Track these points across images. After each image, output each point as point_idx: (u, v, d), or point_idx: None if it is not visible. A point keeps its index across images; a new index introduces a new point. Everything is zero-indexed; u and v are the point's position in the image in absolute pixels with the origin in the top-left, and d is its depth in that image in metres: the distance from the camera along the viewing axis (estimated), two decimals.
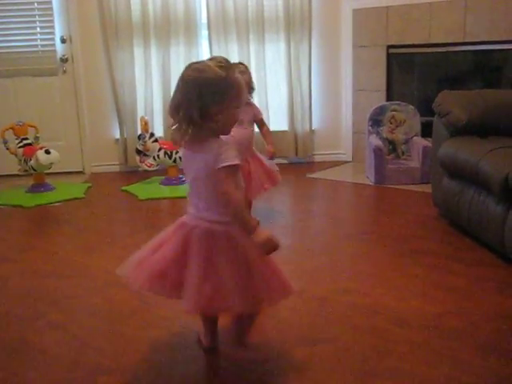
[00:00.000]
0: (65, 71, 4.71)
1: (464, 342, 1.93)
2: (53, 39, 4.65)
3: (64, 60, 4.68)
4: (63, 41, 4.65)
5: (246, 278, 1.67)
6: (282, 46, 4.78)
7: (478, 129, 3.04)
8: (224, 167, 1.60)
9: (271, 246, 1.61)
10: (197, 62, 1.70)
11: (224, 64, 1.65)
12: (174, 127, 1.68)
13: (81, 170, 4.88)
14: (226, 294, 1.64)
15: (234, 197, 1.62)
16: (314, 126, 4.97)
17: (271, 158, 3.25)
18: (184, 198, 3.88)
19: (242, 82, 1.71)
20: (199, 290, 1.64)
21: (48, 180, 4.29)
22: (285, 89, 4.83)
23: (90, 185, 4.39)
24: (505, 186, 2.47)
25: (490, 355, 1.84)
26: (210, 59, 1.69)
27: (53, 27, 4.63)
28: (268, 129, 3.34)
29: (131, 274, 1.78)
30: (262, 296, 1.71)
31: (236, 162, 1.62)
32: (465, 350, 1.87)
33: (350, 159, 4.92)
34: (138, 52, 4.67)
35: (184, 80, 1.65)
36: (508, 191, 2.47)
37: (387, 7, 4.45)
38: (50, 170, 4.22)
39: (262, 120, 3.26)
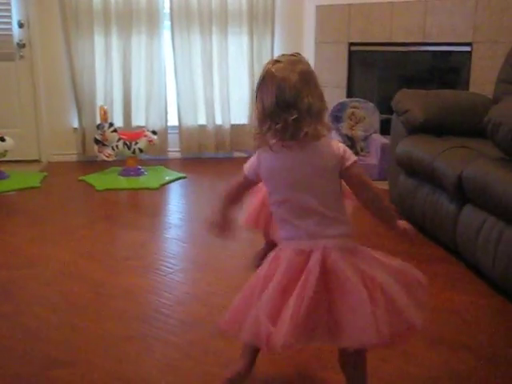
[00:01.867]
0: (22, 57, 4.58)
1: (415, 336, 1.97)
2: (10, 23, 4.50)
3: (21, 45, 4.55)
4: (21, 25, 4.52)
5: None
6: (245, 39, 4.77)
7: (435, 128, 3.11)
8: (354, 162, 1.44)
9: (413, 233, 1.57)
10: (278, 61, 1.43)
11: (304, 60, 1.47)
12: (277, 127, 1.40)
13: (37, 158, 4.76)
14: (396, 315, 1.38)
15: (375, 185, 1.50)
16: None
17: None
18: (143, 189, 3.91)
19: None
20: (375, 316, 1.35)
21: (2, 168, 4.17)
22: (246, 82, 4.83)
23: (46, 174, 4.30)
24: (458, 185, 2.53)
25: (439, 348, 1.90)
26: (283, 55, 1.47)
27: (9, 11, 4.48)
28: None
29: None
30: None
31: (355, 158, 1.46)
32: (415, 343, 1.92)
33: None
34: (98, 40, 4.58)
35: (284, 77, 1.38)
36: (461, 190, 2.53)
37: (349, 5, 4.49)
38: (5, 158, 4.11)
39: None
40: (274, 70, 1.41)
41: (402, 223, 1.57)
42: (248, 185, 1.57)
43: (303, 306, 1.34)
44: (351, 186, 1.49)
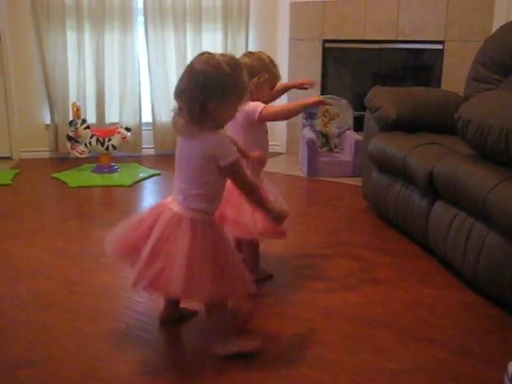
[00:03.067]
0: None
1: (385, 330, 2.00)
2: None
3: None
4: None
5: (219, 269, 1.73)
6: (219, 35, 4.75)
7: (407, 125, 3.14)
8: (231, 163, 1.70)
9: (284, 215, 1.85)
10: (209, 54, 1.72)
11: (233, 62, 1.71)
12: (174, 111, 1.77)
13: (8, 155, 4.68)
14: (175, 279, 1.67)
15: (252, 183, 1.80)
16: None
17: None
18: (116, 186, 3.87)
19: (247, 83, 1.77)
20: (146, 267, 1.72)
21: None
22: None
23: (17, 171, 4.23)
24: (429, 181, 2.56)
25: (409, 342, 1.92)
26: (222, 55, 1.73)
27: None
28: None
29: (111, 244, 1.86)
30: (227, 290, 1.78)
31: (237, 155, 1.73)
32: (386, 337, 1.94)
33: (284, 151, 4.97)
34: (70, 35, 4.51)
35: (193, 69, 1.69)
36: (432, 186, 2.56)
37: (324, 2, 4.51)
38: None
39: None
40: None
41: (276, 207, 1.86)
42: None
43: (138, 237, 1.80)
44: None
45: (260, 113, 2.18)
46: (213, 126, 1.71)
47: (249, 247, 2.37)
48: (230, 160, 1.70)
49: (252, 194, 1.82)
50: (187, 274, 1.66)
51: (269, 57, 2.30)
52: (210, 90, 1.65)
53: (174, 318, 2.02)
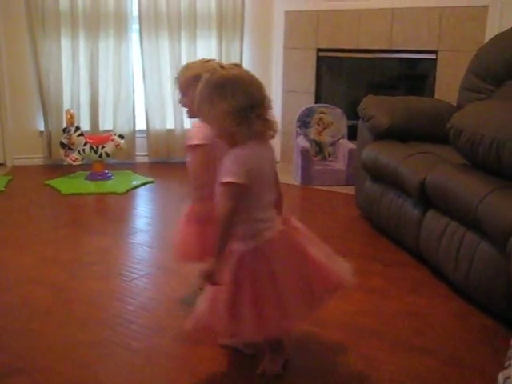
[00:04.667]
0: None
1: (376, 339, 1.99)
2: None
3: None
4: None
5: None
6: (214, 43, 4.76)
7: (400, 134, 3.15)
8: (227, 182, 1.54)
9: (212, 280, 1.56)
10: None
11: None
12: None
13: (2, 162, 4.67)
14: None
15: (223, 217, 1.56)
16: None
17: None
18: (110, 193, 3.86)
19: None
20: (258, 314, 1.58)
21: None
22: None
23: (10, 178, 4.22)
24: (421, 190, 2.57)
25: (399, 351, 1.91)
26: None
27: None
28: None
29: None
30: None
31: (227, 179, 1.53)
32: (376, 347, 1.94)
33: (278, 159, 4.98)
34: (65, 43, 4.51)
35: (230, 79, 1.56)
36: (424, 195, 2.57)
37: (318, 11, 4.53)
38: None
39: None
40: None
41: (210, 265, 1.56)
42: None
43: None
44: None
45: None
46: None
47: None
48: (227, 180, 1.54)
49: (220, 229, 1.57)
50: (228, 311, 1.58)
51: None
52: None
53: None
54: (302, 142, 4.31)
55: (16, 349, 1.89)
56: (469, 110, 2.55)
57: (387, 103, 3.28)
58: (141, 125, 4.79)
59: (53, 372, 1.76)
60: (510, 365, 1.42)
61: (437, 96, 4.05)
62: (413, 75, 4.50)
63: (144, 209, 3.71)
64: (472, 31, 3.89)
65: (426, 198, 2.57)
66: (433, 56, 4.11)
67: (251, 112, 1.53)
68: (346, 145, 4.29)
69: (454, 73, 3.87)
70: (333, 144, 4.46)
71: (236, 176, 1.53)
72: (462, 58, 3.79)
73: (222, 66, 1.61)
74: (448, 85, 3.95)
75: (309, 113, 4.44)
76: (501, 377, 1.62)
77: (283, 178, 4.56)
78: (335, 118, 4.44)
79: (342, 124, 4.44)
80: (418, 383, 1.75)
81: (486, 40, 3.56)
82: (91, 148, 4.14)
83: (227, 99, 1.52)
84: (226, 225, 1.55)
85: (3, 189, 3.93)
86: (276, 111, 4.92)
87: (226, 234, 1.56)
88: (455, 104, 3.36)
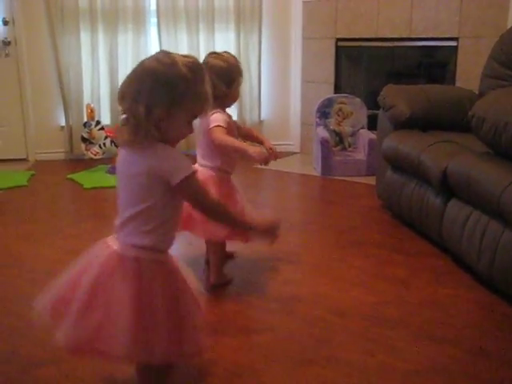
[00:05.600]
0: (7, 54, 4.55)
1: (399, 330, 1.99)
2: None
3: (6, 43, 4.52)
4: (5, 23, 4.49)
5: (177, 319, 1.43)
6: (232, 36, 4.76)
7: (421, 123, 3.12)
8: (184, 178, 1.38)
9: (273, 226, 1.56)
10: (166, 53, 1.41)
11: (195, 65, 1.40)
12: (122, 118, 1.41)
13: (24, 157, 4.74)
14: (119, 337, 1.36)
15: (215, 203, 1.49)
16: (263, 117, 4.97)
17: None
18: None
19: (208, 93, 1.43)
20: (77, 323, 1.41)
21: None
22: None
23: (33, 172, 4.27)
24: (443, 180, 2.54)
25: (424, 342, 1.90)
26: (184, 55, 1.42)
27: None
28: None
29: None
30: (188, 346, 1.48)
31: (192, 170, 1.42)
32: (400, 337, 1.93)
33: (298, 150, 4.96)
34: (84, 37, 4.56)
35: (142, 67, 1.39)
36: (446, 184, 2.54)
37: (336, 0, 4.49)
38: None
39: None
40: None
41: (260, 224, 1.55)
42: None
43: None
44: None
45: (210, 130, 2.15)
46: (160, 140, 1.39)
47: (214, 250, 2.35)
48: (184, 175, 1.38)
49: (218, 215, 1.52)
50: (134, 328, 1.36)
51: (236, 58, 2.29)
52: (157, 92, 1.34)
53: None
54: (322, 132, 4.29)
55: (42, 341, 1.91)
56: (491, 98, 2.51)
57: (408, 92, 3.25)
58: None
59: (77, 364, 1.78)
60: None
61: (458, 84, 4.00)
62: (433, 63, 4.45)
63: None
64: (493, 17, 3.83)
65: (448, 188, 2.55)
66: (454, 43, 4.06)
67: None
68: (366, 135, 4.26)
69: (475, 60, 3.82)
70: (353, 134, 4.43)
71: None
72: (483, 45, 3.74)
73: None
74: (469, 72, 3.90)
75: (328, 103, 4.42)
76: None
77: (303, 169, 4.56)
78: (355, 107, 4.41)
79: (362, 114, 4.41)
80: (444, 373, 1.74)
81: (509, 25, 3.50)
82: (112, 142, 4.18)
83: None
84: (218, 208, 1.51)
85: (26, 183, 3.99)
86: (295, 101, 4.91)
87: (224, 213, 1.52)
88: (477, 92, 3.31)
